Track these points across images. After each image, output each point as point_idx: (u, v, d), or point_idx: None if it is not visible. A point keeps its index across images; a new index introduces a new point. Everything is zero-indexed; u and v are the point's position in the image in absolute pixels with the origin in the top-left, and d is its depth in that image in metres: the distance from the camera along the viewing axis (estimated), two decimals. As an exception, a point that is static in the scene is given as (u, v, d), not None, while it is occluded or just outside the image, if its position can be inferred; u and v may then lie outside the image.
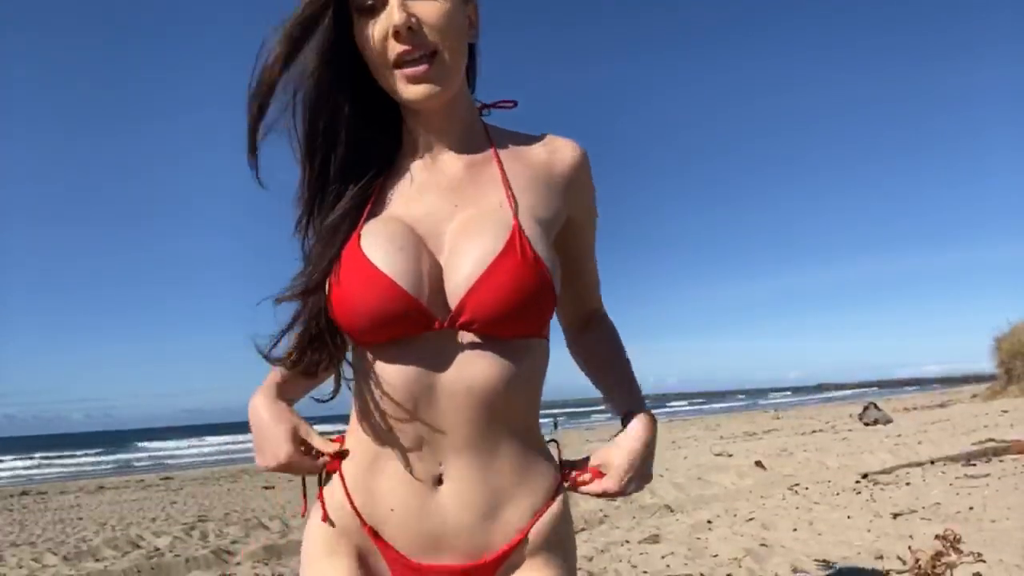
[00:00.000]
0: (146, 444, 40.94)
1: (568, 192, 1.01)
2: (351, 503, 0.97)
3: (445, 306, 0.90)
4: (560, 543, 0.99)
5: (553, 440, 1.05)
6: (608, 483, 1.00)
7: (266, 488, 10.58)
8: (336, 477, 1.00)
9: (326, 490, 1.01)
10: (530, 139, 1.04)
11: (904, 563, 3.58)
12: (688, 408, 50.28)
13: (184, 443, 38.24)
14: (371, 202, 0.97)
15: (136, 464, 26.68)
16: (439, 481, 0.93)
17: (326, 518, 1.00)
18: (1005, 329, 18.35)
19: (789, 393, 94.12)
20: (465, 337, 0.90)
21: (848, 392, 74.45)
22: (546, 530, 0.97)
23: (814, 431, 13.13)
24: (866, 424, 13.15)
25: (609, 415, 1.12)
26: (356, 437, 0.99)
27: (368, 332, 0.90)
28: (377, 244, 0.90)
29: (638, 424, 1.03)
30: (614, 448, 1.02)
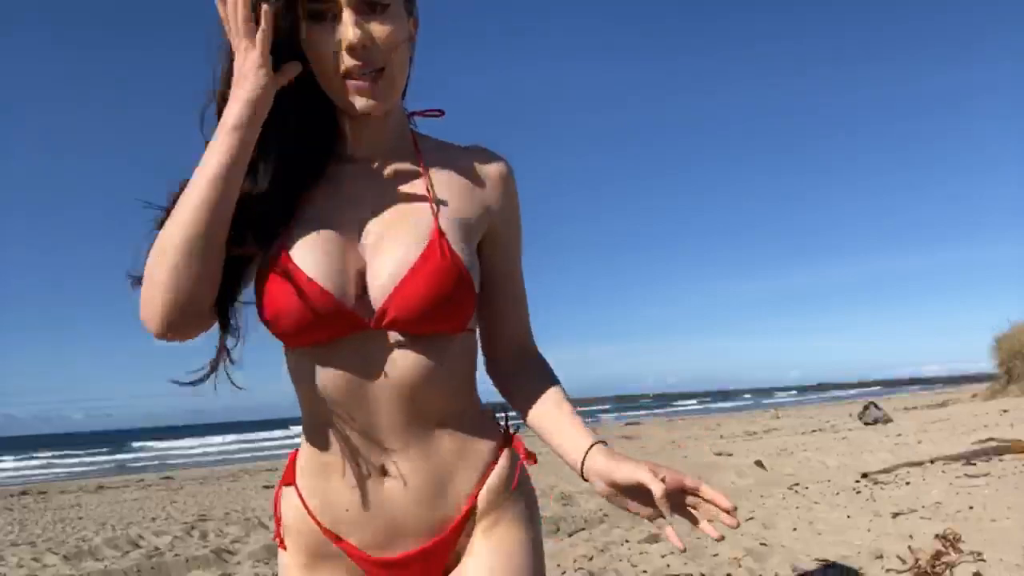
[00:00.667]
0: (146, 444, 40.92)
1: (490, 203, 1.05)
2: (308, 512, 1.01)
3: (369, 308, 0.94)
4: (516, 492, 1.04)
5: (499, 411, 1.10)
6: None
7: (266, 488, 10.59)
8: (292, 490, 1.04)
9: (283, 504, 1.04)
10: (457, 149, 1.08)
11: (904, 563, 3.58)
12: (694, 407, 50.38)
13: (184, 443, 38.20)
14: (299, 205, 0.98)
15: (136, 464, 26.67)
16: (384, 473, 0.97)
17: (283, 545, 1.04)
18: (1005, 329, 18.34)
19: (794, 392, 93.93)
20: (389, 337, 0.94)
21: (848, 391, 74.41)
22: (497, 487, 1.02)
23: (814, 431, 13.13)
24: (866, 423, 13.15)
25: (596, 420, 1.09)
26: (305, 446, 1.03)
27: (297, 335, 0.93)
28: (303, 249, 0.93)
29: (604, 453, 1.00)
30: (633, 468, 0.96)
